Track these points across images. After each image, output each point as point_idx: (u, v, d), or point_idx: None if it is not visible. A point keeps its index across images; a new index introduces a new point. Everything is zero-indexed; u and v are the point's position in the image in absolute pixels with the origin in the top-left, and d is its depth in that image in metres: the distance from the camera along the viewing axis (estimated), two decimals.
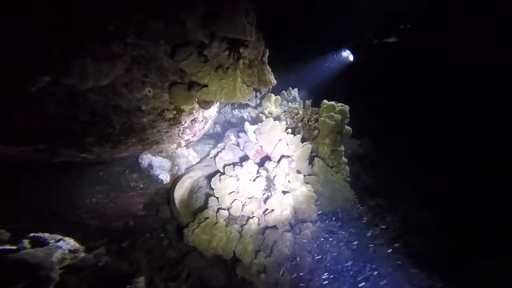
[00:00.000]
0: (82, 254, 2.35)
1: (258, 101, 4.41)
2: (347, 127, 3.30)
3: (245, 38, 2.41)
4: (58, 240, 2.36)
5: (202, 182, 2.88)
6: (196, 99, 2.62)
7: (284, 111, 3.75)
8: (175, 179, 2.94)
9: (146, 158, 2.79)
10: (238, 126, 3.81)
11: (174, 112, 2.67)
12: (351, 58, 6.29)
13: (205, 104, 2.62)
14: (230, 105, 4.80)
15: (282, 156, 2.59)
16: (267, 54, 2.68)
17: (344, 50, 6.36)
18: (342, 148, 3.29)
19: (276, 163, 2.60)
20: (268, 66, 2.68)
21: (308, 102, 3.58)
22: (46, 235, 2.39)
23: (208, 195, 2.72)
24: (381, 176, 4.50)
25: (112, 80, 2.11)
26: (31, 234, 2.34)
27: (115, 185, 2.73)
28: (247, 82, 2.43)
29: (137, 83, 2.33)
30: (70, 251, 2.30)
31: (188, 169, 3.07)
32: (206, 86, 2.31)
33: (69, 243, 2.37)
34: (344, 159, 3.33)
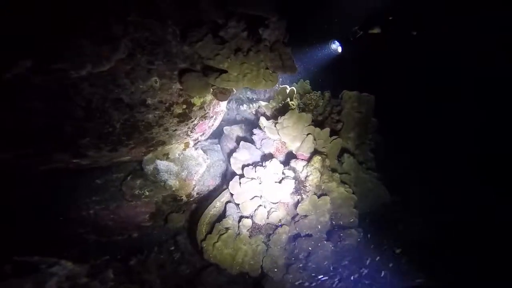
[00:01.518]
0: (84, 280, 1.94)
1: (267, 95, 4.05)
2: (373, 119, 3.00)
3: (267, 16, 2.05)
4: (52, 265, 1.93)
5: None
6: (212, 89, 2.24)
7: (298, 104, 3.41)
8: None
9: (151, 162, 2.38)
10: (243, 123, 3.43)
11: (184, 106, 2.28)
12: (339, 50, 6.25)
13: (222, 95, 2.25)
14: (234, 100, 4.44)
15: (315, 153, 2.24)
16: (288, 36, 2.33)
17: (333, 42, 6.27)
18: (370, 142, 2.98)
19: (306, 161, 2.25)
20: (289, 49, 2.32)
21: (327, 94, 3.26)
22: (36, 258, 1.95)
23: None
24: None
25: (112, 67, 1.70)
26: (16, 258, 1.91)
27: (116, 193, 2.32)
28: (270, 68, 2.07)
29: (141, 71, 1.93)
30: (68, 277, 1.88)
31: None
32: (224, 72, 1.93)
33: (66, 267, 1.94)
34: (370, 154, 3.03)
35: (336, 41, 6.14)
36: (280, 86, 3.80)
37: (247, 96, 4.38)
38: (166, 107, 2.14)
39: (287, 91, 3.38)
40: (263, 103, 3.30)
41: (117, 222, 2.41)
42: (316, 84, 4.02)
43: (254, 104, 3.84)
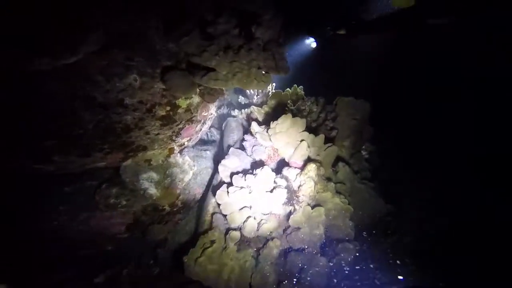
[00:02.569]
0: None
1: (260, 100, 3.91)
2: (368, 126, 2.90)
3: (261, 12, 1.92)
4: None
5: None
6: (198, 90, 2.06)
7: (292, 110, 3.28)
8: None
9: (130, 168, 2.16)
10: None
11: (168, 108, 2.09)
12: (313, 45, 6.49)
13: (210, 97, 2.08)
14: (226, 106, 4.27)
15: (309, 160, 2.08)
16: (283, 36, 2.20)
17: (308, 38, 6.47)
18: (363, 151, 2.87)
19: (299, 170, 2.09)
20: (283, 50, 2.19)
21: (322, 100, 3.15)
22: None
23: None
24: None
25: (82, 61, 1.50)
26: None
27: (88, 203, 2.07)
28: (263, 68, 1.92)
29: (118, 68, 1.74)
30: None
31: None
32: (212, 70, 1.77)
33: None
34: (365, 163, 2.91)
35: (311, 38, 6.30)
36: (274, 90, 3.68)
37: (239, 101, 4.23)
38: (147, 109, 1.95)
39: (281, 95, 3.25)
40: (255, 108, 3.15)
41: (87, 234, 2.14)
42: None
43: (246, 110, 3.68)
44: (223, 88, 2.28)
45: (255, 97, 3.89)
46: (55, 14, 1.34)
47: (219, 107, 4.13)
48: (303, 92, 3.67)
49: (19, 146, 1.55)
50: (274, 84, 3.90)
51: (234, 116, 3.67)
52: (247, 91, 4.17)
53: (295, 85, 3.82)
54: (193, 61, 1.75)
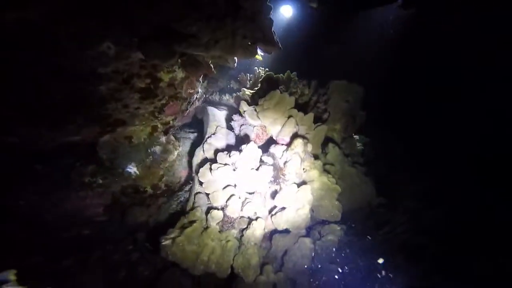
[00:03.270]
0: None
1: (252, 82, 3.81)
2: (361, 111, 2.81)
3: None
4: None
5: None
6: (180, 61, 1.95)
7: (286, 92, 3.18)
8: None
9: (107, 144, 2.04)
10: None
11: (148, 80, 1.97)
12: (288, 15, 5.97)
13: (194, 68, 1.96)
14: (217, 91, 4.15)
15: (295, 136, 1.99)
16: (272, 9, 2.09)
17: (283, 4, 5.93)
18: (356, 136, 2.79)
19: (286, 146, 1.99)
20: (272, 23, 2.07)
21: (314, 82, 3.05)
22: None
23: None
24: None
25: (46, 26, 1.37)
26: None
27: (61, 182, 1.94)
28: (249, 38, 1.81)
29: (90, 34, 1.61)
30: None
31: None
32: (193, 37, 1.65)
33: None
34: (358, 148, 2.82)
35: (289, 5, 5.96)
36: (266, 73, 3.58)
37: (231, 86, 4.13)
38: (124, 79, 1.82)
39: (272, 77, 3.15)
40: (246, 90, 3.04)
41: (60, 216, 2.02)
42: None
43: (237, 93, 3.58)
44: (209, 62, 2.16)
45: (247, 82, 3.79)
46: None
47: (211, 93, 4.03)
48: (296, 78, 3.58)
49: None
50: (266, 69, 3.81)
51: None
52: (239, 77, 4.07)
53: (288, 70, 3.73)
54: (173, 27, 1.63)
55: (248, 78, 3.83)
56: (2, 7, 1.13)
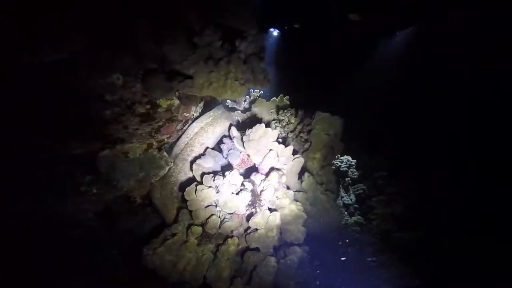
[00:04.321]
0: None
1: (246, 106, 4.08)
2: (340, 142, 3.10)
3: (247, 29, 2.10)
4: None
5: None
6: (177, 93, 2.22)
7: (274, 119, 3.46)
8: None
9: (106, 159, 2.29)
10: None
11: (148, 106, 2.23)
12: (275, 34, 7.76)
13: (187, 101, 2.24)
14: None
15: (272, 169, 2.27)
16: (266, 50, 2.39)
17: (274, 29, 7.72)
18: (333, 164, 3.07)
19: (265, 176, 2.27)
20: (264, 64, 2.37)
21: (301, 112, 3.34)
22: None
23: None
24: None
25: (68, 57, 1.64)
26: None
27: (57, 188, 2.17)
28: (240, 80, 2.10)
29: (102, 66, 1.88)
30: None
31: None
32: (190, 78, 1.93)
33: None
34: (333, 176, 3.10)
35: (275, 29, 7.61)
36: (259, 98, 3.86)
37: (227, 104, 4.40)
38: (127, 105, 2.09)
39: (264, 104, 3.44)
40: (237, 114, 3.32)
41: (53, 218, 2.23)
42: None
43: (233, 113, 3.85)
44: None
45: (242, 102, 4.06)
46: (40, 13, 1.48)
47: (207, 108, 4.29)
48: (288, 102, 3.87)
49: None
50: (261, 92, 4.09)
51: None
52: None
53: (282, 95, 4.02)
54: (173, 68, 1.91)
55: (244, 99, 4.11)
56: (45, 54, 1.40)
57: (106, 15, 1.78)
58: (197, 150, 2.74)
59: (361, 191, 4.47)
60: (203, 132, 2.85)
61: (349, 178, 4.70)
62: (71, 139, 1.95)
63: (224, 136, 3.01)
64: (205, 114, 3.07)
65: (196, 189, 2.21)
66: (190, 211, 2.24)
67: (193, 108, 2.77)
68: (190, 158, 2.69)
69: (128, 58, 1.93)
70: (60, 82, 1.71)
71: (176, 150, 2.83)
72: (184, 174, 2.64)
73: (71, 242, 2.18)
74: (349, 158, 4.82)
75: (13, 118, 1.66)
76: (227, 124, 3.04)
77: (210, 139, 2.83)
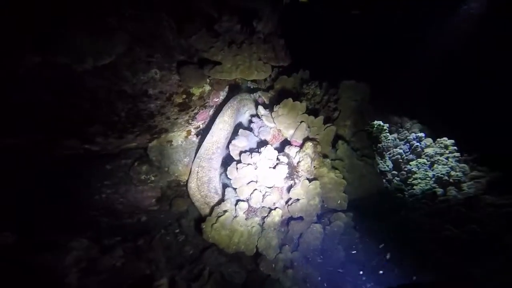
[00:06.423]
0: (97, 255, 2.18)
1: (268, 84, 4.11)
2: (369, 106, 3.03)
3: (259, 8, 2.13)
4: (69, 241, 2.19)
5: None
6: (208, 80, 2.36)
7: (299, 93, 3.47)
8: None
9: (155, 148, 2.56)
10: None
11: (184, 96, 2.42)
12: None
13: (218, 85, 2.37)
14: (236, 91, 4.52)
15: (306, 139, 2.34)
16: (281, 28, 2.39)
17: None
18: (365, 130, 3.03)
19: (299, 148, 2.35)
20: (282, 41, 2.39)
21: (325, 84, 3.30)
22: (55, 237, 2.21)
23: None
24: None
25: (113, 60, 1.85)
26: (39, 236, 2.17)
27: (124, 178, 2.52)
28: (263, 59, 2.16)
29: (141, 64, 2.08)
30: (84, 252, 2.13)
31: None
32: (219, 63, 2.04)
33: (82, 243, 2.19)
34: (367, 141, 3.08)
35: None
36: (281, 76, 3.86)
37: (249, 85, 4.47)
38: (167, 97, 2.29)
39: (286, 81, 3.44)
40: (261, 93, 3.38)
41: (126, 205, 2.62)
42: None
43: (255, 94, 3.93)
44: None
45: (262, 82, 4.10)
46: (91, 24, 1.69)
47: (231, 91, 4.42)
48: (308, 77, 3.81)
49: (71, 131, 1.98)
50: (280, 69, 4.07)
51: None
52: None
53: (301, 69, 3.97)
54: (202, 56, 2.03)
55: (265, 78, 4.14)
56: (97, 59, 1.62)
57: (135, 18, 1.93)
58: (222, 145, 2.67)
59: (398, 156, 4.34)
60: (226, 125, 2.68)
61: (383, 144, 4.56)
62: (126, 134, 2.22)
63: (252, 115, 3.12)
64: (224, 107, 2.79)
65: (237, 168, 2.38)
66: (235, 188, 2.44)
67: (221, 93, 2.91)
68: (215, 156, 2.63)
69: (160, 54, 2.10)
70: (109, 84, 1.94)
71: (202, 150, 2.64)
72: (213, 170, 2.64)
73: (142, 225, 2.55)
74: (380, 122, 4.65)
75: (80, 123, 1.95)
76: (250, 112, 2.99)
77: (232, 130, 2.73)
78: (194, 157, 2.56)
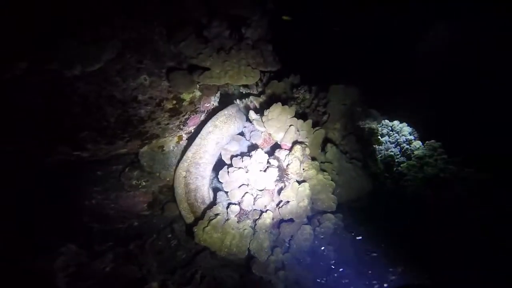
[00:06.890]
0: (86, 260, 2.17)
1: (259, 89, 4.18)
2: (358, 109, 3.10)
3: (247, 15, 2.19)
4: (59, 246, 2.18)
5: None
6: (198, 86, 2.40)
7: (289, 98, 3.53)
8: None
9: (146, 154, 2.58)
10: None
11: (174, 102, 2.45)
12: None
13: (208, 91, 2.41)
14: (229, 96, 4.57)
15: (295, 142, 2.38)
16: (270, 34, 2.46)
17: None
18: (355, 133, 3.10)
19: (288, 151, 2.39)
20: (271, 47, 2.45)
21: (314, 88, 3.37)
22: (45, 241, 2.20)
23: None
24: None
25: (103, 67, 1.88)
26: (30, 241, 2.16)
27: (115, 184, 2.53)
28: (252, 64, 2.21)
29: (131, 70, 2.11)
30: (73, 257, 2.12)
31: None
32: (208, 69, 2.09)
33: (71, 249, 2.18)
34: (357, 144, 3.14)
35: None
36: (272, 80, 3.92)
37: (240, 91, 4.53)
38: (157, 103, 2.32)
39: (276, 86, 3.50)
40: (252, 98, 3.44)
41: (118, 211, 2.62)
42: None
43: (246, 99, 3.98)
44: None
45: (254, 87, 4.16)
46: (80, 30, 1.72)
47: (221, 96, 4.46)
48: (298, 81, 3.89)
49: (62, 137, 1.99)
50: (272, 74, 4.14)
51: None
52: None
53: (292, 74, 4.04)
54: (191, 62, 2.08)
55: (256, 83, 4.20)
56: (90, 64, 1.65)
57: (126, 24, 1.98)
58: (211, 150, 2.61)
59: (389, 158, 4.40)
60: (217, 130, 2.64)
61: (374, 146, 4.62)
62: (117, 140, 2.23)
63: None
64: (219, 113, 2.78)
65: (228, 171, 2.41)
66: (226, 192, 2.46)
67: (212, 99, 2.95)
68: (202, 161, 2.56)
69: (150, 60, 2.14)
70: (99, 90, 1.96)
71: (189, 153, 2.55)
72: (201, 178, 2.60)
73: (134, 230, 2.55)
74: (371, 125, 4.73)
75: (70, 128, 1.96)
76: (242, 123, 2.90)
77: (224, 139, 2.68)
78: (180, 160, 2.54)
